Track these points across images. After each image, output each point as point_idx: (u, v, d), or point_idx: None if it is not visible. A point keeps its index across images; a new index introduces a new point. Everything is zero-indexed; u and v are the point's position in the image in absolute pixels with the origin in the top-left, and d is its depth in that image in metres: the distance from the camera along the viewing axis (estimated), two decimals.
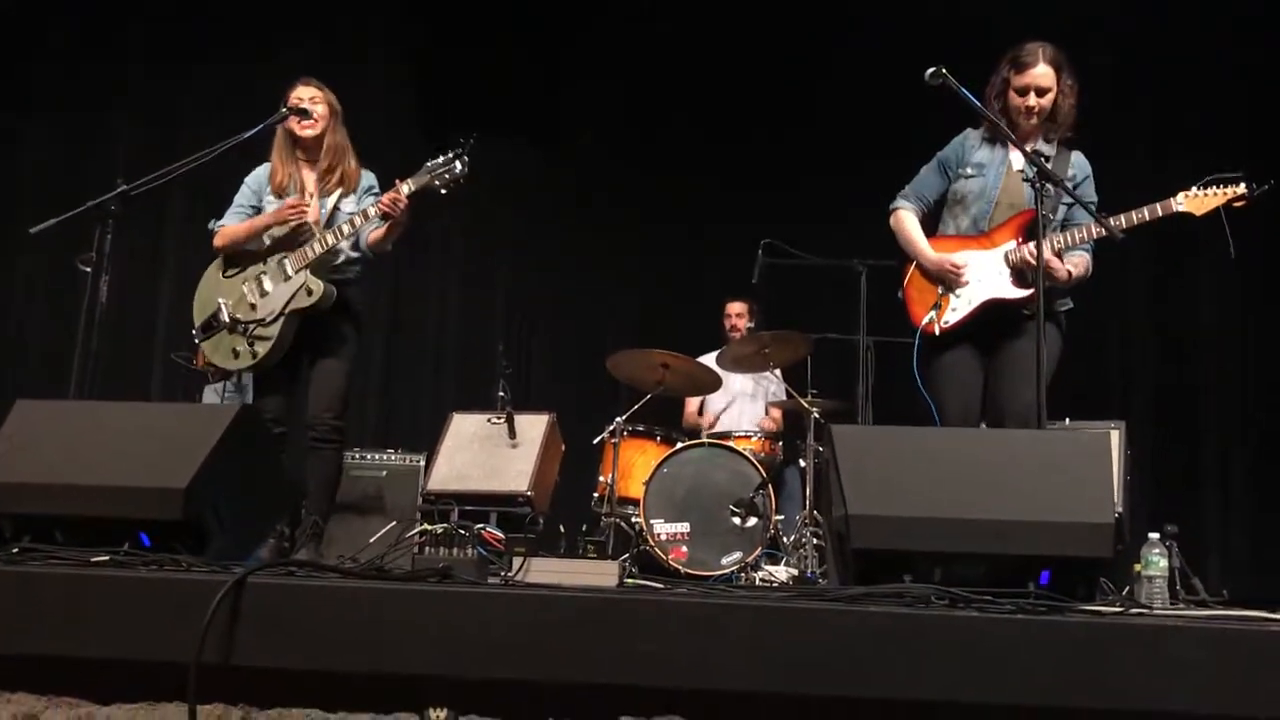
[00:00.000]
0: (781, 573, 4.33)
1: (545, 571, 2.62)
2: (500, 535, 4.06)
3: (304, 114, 3.86)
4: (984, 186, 3.51)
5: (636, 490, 4.61)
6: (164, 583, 1.98)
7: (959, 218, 3.55)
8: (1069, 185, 3.35)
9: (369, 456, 4.88)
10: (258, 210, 3.95)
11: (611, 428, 4.75)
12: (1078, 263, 3.42)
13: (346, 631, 1.88)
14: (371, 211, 3.80)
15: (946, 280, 3.48)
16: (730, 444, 4.74)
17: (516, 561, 2.63)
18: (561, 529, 4.74)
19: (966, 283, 3.45)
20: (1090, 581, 2.16)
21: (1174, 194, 3.33)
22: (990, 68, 3.50)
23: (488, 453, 4.55)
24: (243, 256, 3.92)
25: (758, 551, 4.40)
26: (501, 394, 4.83)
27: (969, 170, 3.54)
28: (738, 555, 4.40)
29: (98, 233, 3.40)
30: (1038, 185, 3.12)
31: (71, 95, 6.48)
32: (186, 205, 6.16)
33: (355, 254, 3.95)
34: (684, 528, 4.50)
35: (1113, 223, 3.25)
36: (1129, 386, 6.15)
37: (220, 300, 3.90)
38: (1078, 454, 2.21)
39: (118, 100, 6.58)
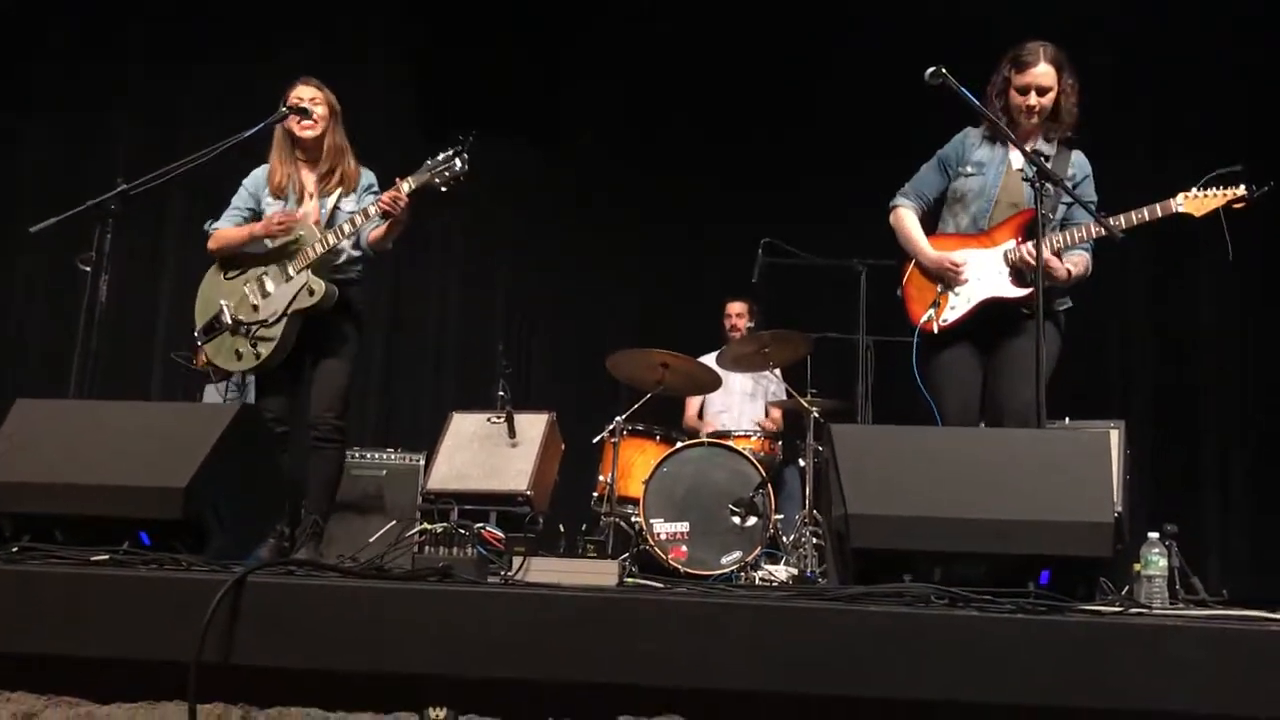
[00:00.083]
0: (781, 572, 4.33)
1: (545, 571, 2.62)
2: (500, 534, 4.05)
3: (304, 113, 3.85)
4: (984, 185, 3.51)
5: (636, 490, 4.62)
6: (164, 582, 1.98)
7: (958, 216, 3.55)
8: (1069, 184, 3.36)
9: (369, 456, 4.88)
10: (254, 212, 3.95)
11: (611, 427, 4.75)
12: (1077, 261, 3.43)
13: (346, 631, 1.88)
14: (372, 210, 3.80)
15: (945, 278, 3.48)
16: (730, 443, 4.75)
17: (516, 561, 2.63)
18: (561, 528, 4.74)
19: (965, 281, 3.46)
20: (1090, 581, 2.16)
21: (1174, 194, 3.33)
22: (990, 68, 3.50)
23: (487, 452, 4.56)
24: (243, 258, 3.92)
25: (757, 551, 4.40)
26: (501, 393, 4.84)
27: (969, 169, 3.54)
28: (737, 555, 4.40)
29: (97, 232, 3.40)
30: (1037, 185, 3.13)
31: (71, 95, 6.48)
32: (186, 205, 6.16)
33: (356, 253, 3.95)
34: (684, 527, 4.50)
35: (1112, 223, 3.25)
36: (1129, 386, 6.15)
37: (222, 302, 3.89)
38: (1077, 453, 2.21)
39: (118, 100, 6.58)
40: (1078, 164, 3.50)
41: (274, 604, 1.91)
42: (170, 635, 1.87)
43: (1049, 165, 3.18)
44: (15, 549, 2.23)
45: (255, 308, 3.84)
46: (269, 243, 3.86)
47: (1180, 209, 3.33)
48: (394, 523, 4.49)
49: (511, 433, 4.57)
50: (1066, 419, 4.64)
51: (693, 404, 5.72)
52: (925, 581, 2.06)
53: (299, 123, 3.87)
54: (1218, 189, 3.32)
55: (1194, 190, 3.33)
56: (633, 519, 4.56)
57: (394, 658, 1.87)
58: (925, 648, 1.80)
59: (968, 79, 3.18)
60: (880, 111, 5.75)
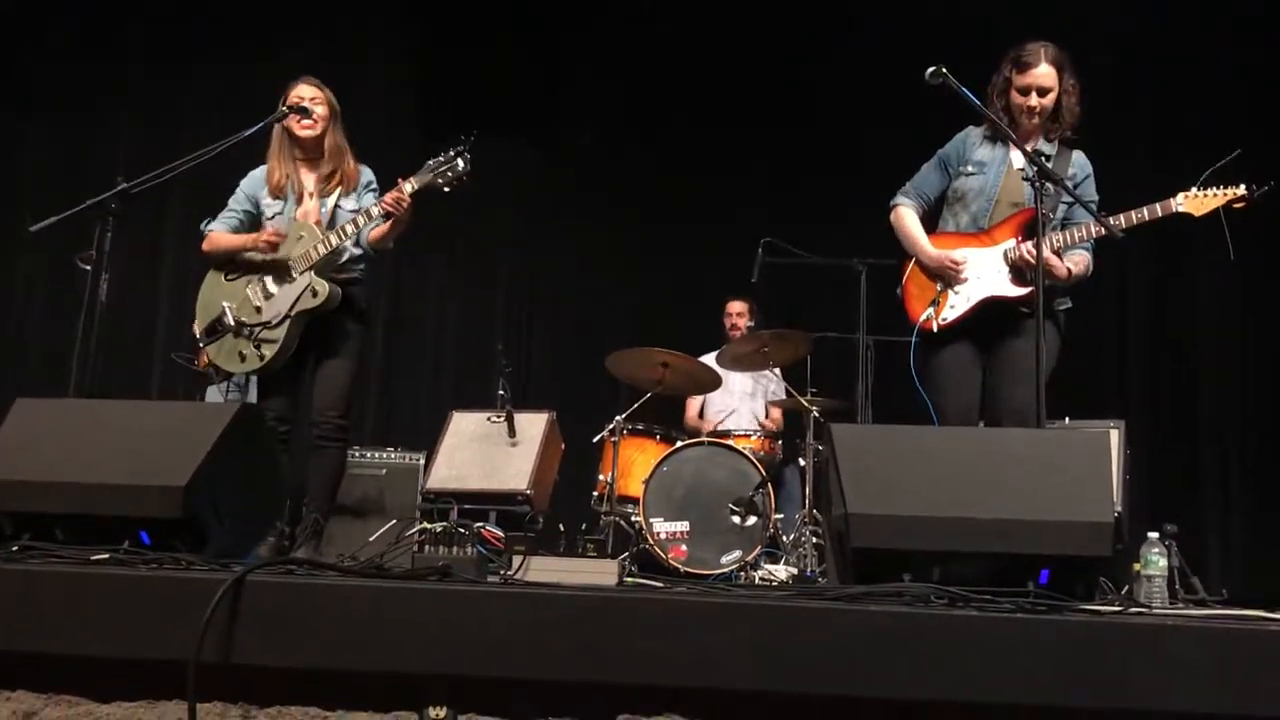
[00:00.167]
0: (781, 571, 4.33)
1: (545, 570, 2.62)
2: (500, 534, 4.05)
3: (304, 113, 3.85)
4: (984, 184, 3.51)
5: (636, 489, 4.62)
6: (164, 581, 1.98)
7: (959, 215, 3.56)
8: (1069, 184, 3.36)
9: (369, 455, 4.89)
10: (250, 215, 3.94)
11: (611, 426, 4.75)
12: (1078, 261, 3.43)
13: (346, 630, 1.88)
14: (374, 211, 3.79)
15: (945, 276, 3.48)
16: (730, 443, 4.74)
17: (516, 560, 2.63)
18: (561, 528, 4.74)
19: (965, 279, 3.46)
20: (1089, 581, 2.16)
21: (1174, 194, 3.33)
22: (990, 68, 3.50)
23: (487, 451, 4.56)
24: (243, 260, 3.91)
25: (757, 550, 4.40)
26: (501, 392, 4.84)
27: (969, 168, 3.54)
28: (737, 554, 4.40)
29: (98, 231, 3.39)
30: (1038, 184, 3.13)
31: (71, 95, 6.48)
32: (186, 204, 6.15)
33: (358, 251, 3.94)
34: (683, 526, 4.50)
35: (1112, 222, 3.25)
36: (1129, 386, 6.15)
37: (224, 304, 3.88)
38: (1077, 453, 2.21)
39: (118, 100, 6.59)
40: (1078, 163, 3.50)
41: (274, 603, 1.91)
42: (170, 634, 1.87)
43: (1050, 165, 3.18)
44: (15, 548, 2.23)
45: (258, 309, 3.83)
46: (257, 256, 3.87)
47: (1180, 208, 3.33)
48: (394, 522, 4.49)
49: (511, 432, 4.57)
50: (1066, 419, 4.64)
51: (694, 404, 5.72)
52: (925, 581, 2.07)
53: (299, 122, 3.86)
54: (1218, 188, 3.32)
55: (1194, 190, 3.33)
56: (633, 518, 4.56)
57: (394, 657, 1.87)
58: (925, 647, 1.81)
59: (968, 79, 3.18)
60: (880, 111, 5.76)
